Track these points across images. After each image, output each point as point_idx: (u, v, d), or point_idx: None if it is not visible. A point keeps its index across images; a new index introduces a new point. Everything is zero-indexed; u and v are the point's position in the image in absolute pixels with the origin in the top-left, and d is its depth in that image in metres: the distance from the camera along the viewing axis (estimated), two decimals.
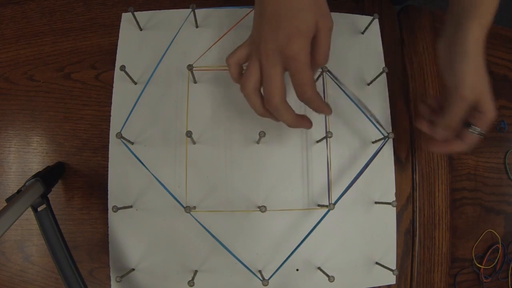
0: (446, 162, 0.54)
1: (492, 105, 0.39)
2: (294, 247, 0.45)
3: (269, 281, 0.43)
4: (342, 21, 0.55)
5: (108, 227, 0.49)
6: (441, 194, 0.53)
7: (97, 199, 0.50)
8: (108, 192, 0.49)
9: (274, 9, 0.35)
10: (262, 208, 0.45)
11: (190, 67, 0.47)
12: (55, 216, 0.43)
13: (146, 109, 0.51)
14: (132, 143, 0.49)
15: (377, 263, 0.50)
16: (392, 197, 0.52)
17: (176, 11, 0.54)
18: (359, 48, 0.55)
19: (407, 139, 0.54)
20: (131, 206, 0.49)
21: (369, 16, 0.54)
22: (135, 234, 0.49)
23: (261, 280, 0.43)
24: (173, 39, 0.50)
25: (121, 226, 0.49)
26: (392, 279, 0.51)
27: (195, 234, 0.48)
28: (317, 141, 0.51)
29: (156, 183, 0.47)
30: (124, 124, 0.47)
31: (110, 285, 0.48)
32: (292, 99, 0.40)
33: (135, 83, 0.51)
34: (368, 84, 0.54)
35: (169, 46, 0.49)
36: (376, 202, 0.51)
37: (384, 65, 0.54)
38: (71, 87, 0.52)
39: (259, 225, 0.49)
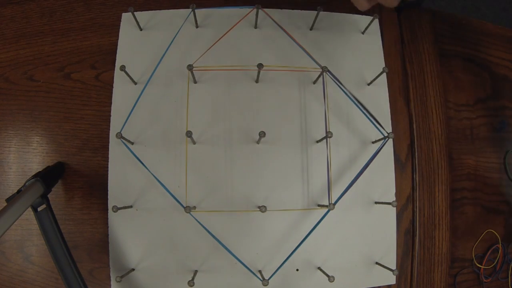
0: (446, 162, 0.54)
1: None
2: (294, 247, 0.45)
3: (269, 281, 0.43)
4: (342, 21, 0.55)
5: (108, 227, 0.49)
6: (441, 194, 0.53)
7: (97, 199, 0.50)
8: (108, 192, 0.49)
9: None
10: (262, 208, 0.45)
11: (190, 67, 0.47)
12: (55, 216, 0.43)
13: (146, 109, 0.51)
14: (132, 143, 0.49)
15: (377, 263, 0.50)
16: (392, 197, 0.52)
17: (176, 11, 0.54)
18: (359, 48, 0.55)
19: (407, 139, 0.54)
20: (131, 206, 0.49)
21: (369, 16, 0.54)
22: (135, 234, 0.49)
23: (261, 280, 0.43)
24: (173, 39, 0.50)
25: (121, 226, 0.49)
26: (392, 279, 0.51)
27: (195, 234, 0.49)
28: (317, 141, 0.51)
29: (156, 183, 0.47)
30: (124, 124, 0.47)
31: (110, 285, 0.48)
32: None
33: (135, 83, 0.51)
34: (368, 84, 0.54)
35: (169, 46, 0.50)
36: (376, 202, 0.51)
37: (384, 65, 0.54)
38: (71, 87, 0.52)
39: (259, 225, 0.49)
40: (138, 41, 0.53)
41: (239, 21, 0.51)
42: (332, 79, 0.49)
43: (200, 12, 0.53)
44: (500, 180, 0.57)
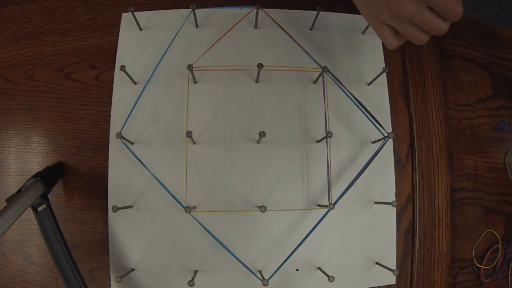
0: (446, 162, 0.54)
1: None
2: (294, 247, 0.45)
3: (269, 281, 0.43)
4: (342, 21, 0.55)
5: (108, 227, 0.49)
6: (441, 194, 0.53)
7: (97, 199, 0.50)
8: (108, 192, 0.49)
9: None
10: (262, 208, 0.45)
11: (190, 67, 0.47)
12: (55, 216, 0.43)
13: (146, 109, 0.51)
14: (132, 143, 0.49)
15: (377, 263, 0.50)
16: (392, 197, 0.52)
17: (176, 11, 0.54)
18: (359, 48, 0.55)
19: (407, 139, 0.54)
20: (131, 206, 0.49)
21: None
22: (135, 234, 0.49)
23: (261, 280, 0.43)
24: (173, 39, 0.50)
25: (121, 226, 0.49)
26: (392, 279, 0.51)
27: (195, 234, 0.49)
28: (317, 141, 0.51)
29: (156, 183, 0.47)
30: (124, 124, 0.47)
31: (110, 285, 0.48)
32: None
33: (135, 83, 0.51)
34: (368, 84, 0.54)
35: (169, 46, 0.50)
36: (376, 202, 0.51)
37: (384, 65, 0.54)
38: (71, 87, 0.52)
39: (259, 225, 0.49)
40: (138, 41, 0.53)
41: (239, 21, 0.51)
42: (332, 79, 0.49)
43: (200, 12, 0.53)
44: (500, 180, 0.57)
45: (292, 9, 0.55)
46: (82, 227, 0.49)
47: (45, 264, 0.49)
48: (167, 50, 0.49)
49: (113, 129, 0.50)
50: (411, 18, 0.36)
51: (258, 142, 0.50)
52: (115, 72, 0.52)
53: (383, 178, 0.52)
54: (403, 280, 0.52)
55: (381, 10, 0.37)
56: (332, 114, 0.52)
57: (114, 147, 0.50)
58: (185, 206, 0.45)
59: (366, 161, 0.46)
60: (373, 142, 0.52)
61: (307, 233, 0.45)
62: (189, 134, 0.44)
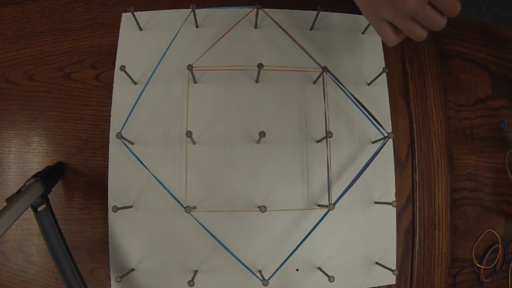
0: (446, 162, 0.54)
1: None
2: (294, 247, 0.45)
3: (269, 281, 0.43)
4: (342, 21, 0.55)
5: (108, 227, 0.49)
6: (441, 194, 0.53)
7: (97, 199, 0.50)
8: (108, 192, 0.49)
9: None
10: (262, 208, 0.45)
11: (190, 67, 0.47)
12: (55, 216, 0.43)
13: (146, 109, 0.51)
14: (132, 143, 0.49)
15: (377, 263, 0.50)
16: (392, 197, 0.52)
17: (176, 11, 0.54)
18: (359, 48, 0.55)
19: (407, 139, 0.54)
20: (131, 206, 0.49)
21: None
22: (135, 234, 0.49)
23: (261, 280, 0.43)
24: (173, 39, 0.50)
25: (121, 226, 0.49)
26: (392, 279, 0.51)
27: (195, 234, 0.49)
28: (317, 141, 0.51)
29: (156, 183, 0.47)
30: (124, 124, 0.47)
31: (110, 285, 0.48)
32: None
33: (135, 83, 0.51)
34: (368, 84, 0.54)
35: (169, 46, 0.50)
36: (376, 202, 0.51)
37: (384, 65, 0.54)
38: (71, 87, 0.52)
39: (259, 225, 0.49)
40: (138, 41, 0.53)
41: (239, 21, 0.51)
42: (332, 79, 0.49)
43: (200, 12, 0.53)
44: (500, 180, 0.57)
45: (292, 9, 0.55)
46: (82, 227, 0.49)
47: (45, 264, 0.49)
48: (167, 50, 0.49)
49: (113, 129, 0.50)
50: (413, 14, 0.37)
51: (258, 142, 0.50)
52: (115, 72, 0.52)
53: (383, 178, 0.52)
54: (403, 280, 0.52)
55: (383, 6, 0.38)
56: (332, 114, 0.52)
57: (114, 147, 0.50)
58: (185, 206, 0.45)
59: (366, 161, 0.46)
60: (373, 142, 0.52)
61: (307, 233, 0.45)
62: (189, 134, 0.44)
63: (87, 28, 0.54)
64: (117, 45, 0.53)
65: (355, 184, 0.45)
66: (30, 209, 0.41)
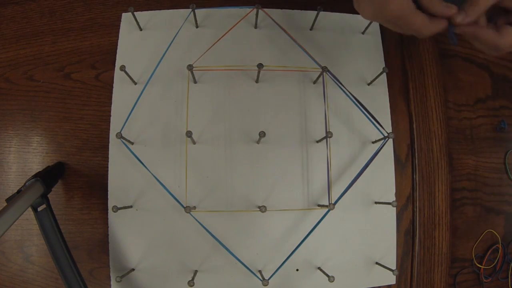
0: (446, 162, 0.54)
1: None
2: (294, 247, 0.45)
3: (269, 281, 0.43)
4: (342, 21, 0.55)
5: (108, 227, 0.49)
6: (441, 194, 0.53)
7: (97, 199, 0.50)
8: (108, 192, 0.49)
9: None
10: (262, 208, 0.45)
11: (190, 67, 0.47)
12: (55, 216, 0.43)
13: (146, 109, 0.51)
14: (132, 143, 0.49)
15: (377, 263, 0.50)
16: (392, 197, 0.52)
17: (176, 11, 0.54)
18: (359, 48, 0.55)
19: (407, 139, 0.54)
20: (131, 206, 0.49)
21: None
22: (135, 234, 0.49)
23: (261, 280, 0.43)
24: (173, 39, 0.50)
25: (121, 226, 0.49)
26: (392, 279, 0.51)
27: (195, 234, 0.48)
28: (317, 141, 0.51)
29: (156, 183, 0.47)
30: (124, 124, 0.47)
31: (110, 285, 0.48)
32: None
33: (135, 83, 0.51)
34: (368, 84, 0.54)
35: (169, 46, 0.50)
36: (376, 202, 0.51)
37: (384, 65, 0.54)
38: (71, 87, 0.52)
39: (259, 225, 0.49)
40: (138, 41, 0.53)
41: (239, 21, 0.51)
42: (332, 79, 0.49)
43: (200, 12, 0.53)
44: (500, 180, 0.57)
45: (292, 9, 0.55)
46: (82, 227, 0.49)
47: (45, 264, 0.49)
48: (167, 50, 0.49)
49: (113, 129, 0.50)
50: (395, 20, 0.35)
51: (258, 142, 0.50)
52: (115, 72, 0.52)
53: (383, 178, 0.52)
54: (403, 280, 0.52)
55: (366, 8, 0.37)
56: (332, 114, 0.52)
57: (114, 147, 0.50)
58: (185, 206, 0.45)
59: (366, 161, 0.46)
60: (373, 142, 0.52)
61: (307, 233, 0.45)
62: (189, 134, 0.44)
63: (87, 28, 0.54)
64: (117, 45, 0.53)
65: (355, 184, 0.45)
66: (30, 209, 0.41)
